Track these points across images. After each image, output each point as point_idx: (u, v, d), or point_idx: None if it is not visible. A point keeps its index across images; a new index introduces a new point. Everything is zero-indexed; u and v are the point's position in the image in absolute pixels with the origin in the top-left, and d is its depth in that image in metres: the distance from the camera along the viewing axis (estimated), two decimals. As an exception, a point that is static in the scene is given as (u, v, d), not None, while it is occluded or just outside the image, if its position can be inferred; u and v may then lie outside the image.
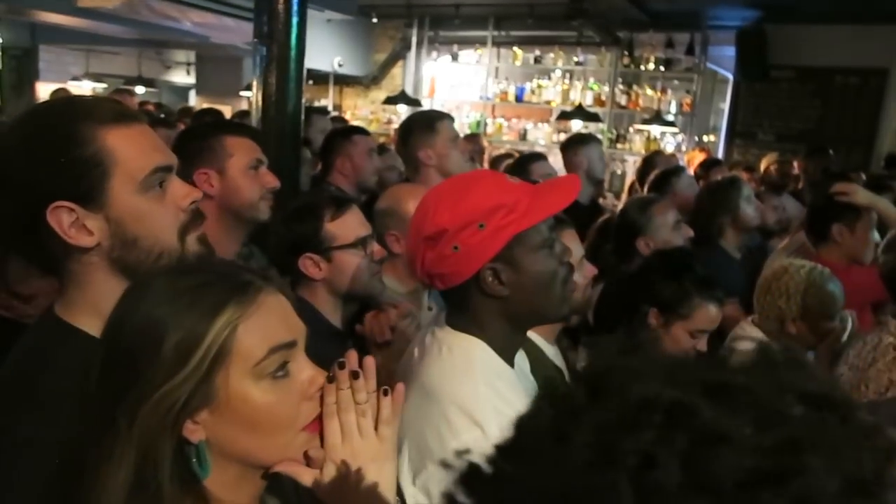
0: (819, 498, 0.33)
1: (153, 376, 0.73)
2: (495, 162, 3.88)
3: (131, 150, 0.93)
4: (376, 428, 0.85)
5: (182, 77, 10.39)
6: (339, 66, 7.94)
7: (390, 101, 7.67)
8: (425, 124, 2.49)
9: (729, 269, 2.80)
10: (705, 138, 7.68)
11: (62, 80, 8.16)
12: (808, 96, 6.77)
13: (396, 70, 8.68)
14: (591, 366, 0.42)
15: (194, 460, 0.76)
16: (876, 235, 2.55)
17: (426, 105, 8.10)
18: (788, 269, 2.09)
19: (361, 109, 8.69)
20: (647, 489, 0.34)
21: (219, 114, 5.06)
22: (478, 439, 1.02)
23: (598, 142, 3.61)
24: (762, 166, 5.21)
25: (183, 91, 10.45)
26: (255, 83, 2.79)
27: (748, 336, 2.10)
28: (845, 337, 2.04)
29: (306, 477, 0.83)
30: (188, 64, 10.02)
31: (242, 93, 7.28)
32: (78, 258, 0.92)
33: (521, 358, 1.24)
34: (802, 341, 2.03)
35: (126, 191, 0.92)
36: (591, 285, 1.87)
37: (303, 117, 2.88)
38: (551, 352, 1.70)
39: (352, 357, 0.85)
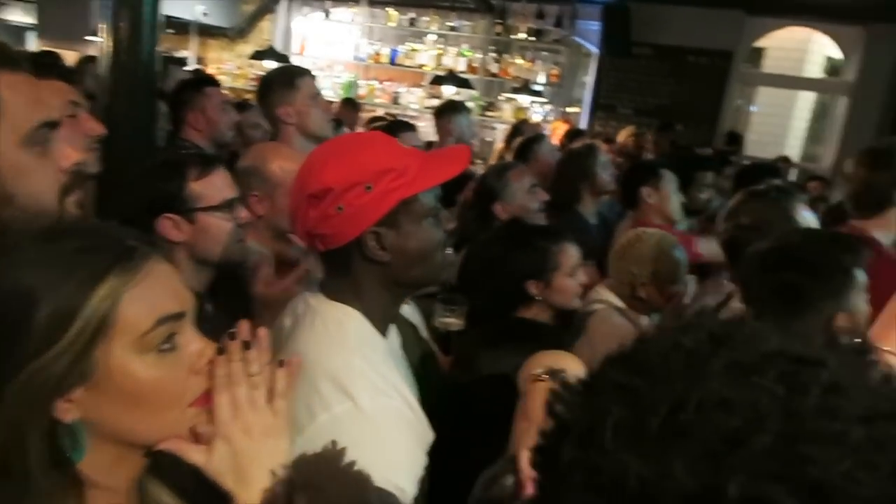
0: None
1: (21, 352, 0.66)
2: (370, 125, 3.83)
3: (18, 100, 0.84)
4: (270, 401, 0.81)
5: (18, 15, 9.31)
6: (204, 15, 7.45)
7: (258, 56, 7.30)
8: (285, 80, 2.40)
9: (586, 233, 2.96)
10: (570, 109, 7.99)
11: None
12: (664, 74, 7.22)
13: (265, 24, 8.28)
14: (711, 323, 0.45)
15: (67, 442, 0.70)
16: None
17: (295, 62, 7.81)
18: (641, 237, 2.24)
19: (226, 63, 8.22)
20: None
21: (57, 58, 4.59)
22: (349, 411, 1.01)
23: (469, 110, 3.67)
24: (620, 139, 5.51)
25: (20, 31, 9.37)
26: (104, 27, 2.55)
27: (603, 300, 2.23)
28: (687, 300, 2.22)
29: (194, 455, 0.78)
30: (26, 1, 8.99)
31: (89, 37, 6.66)
32: None
33: (393, 333, 1.23)
34: (651, 304, 2.19)
35: (8, 143, 0.84)
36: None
37: (158, 68, 2.68)
38: (407, 309, 1.72)
39: (243, 327, 0.80)
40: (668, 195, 2.85)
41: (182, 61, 5.00)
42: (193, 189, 1.46)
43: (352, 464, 0.96)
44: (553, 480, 0.43)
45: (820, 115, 8.54)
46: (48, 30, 8.35)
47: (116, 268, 0.70)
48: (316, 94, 2.41)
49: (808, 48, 8.18)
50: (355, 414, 1.01)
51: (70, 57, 5.51)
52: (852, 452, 0.36)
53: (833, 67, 8.00)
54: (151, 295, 0.72)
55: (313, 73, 2.51)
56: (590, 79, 7.85)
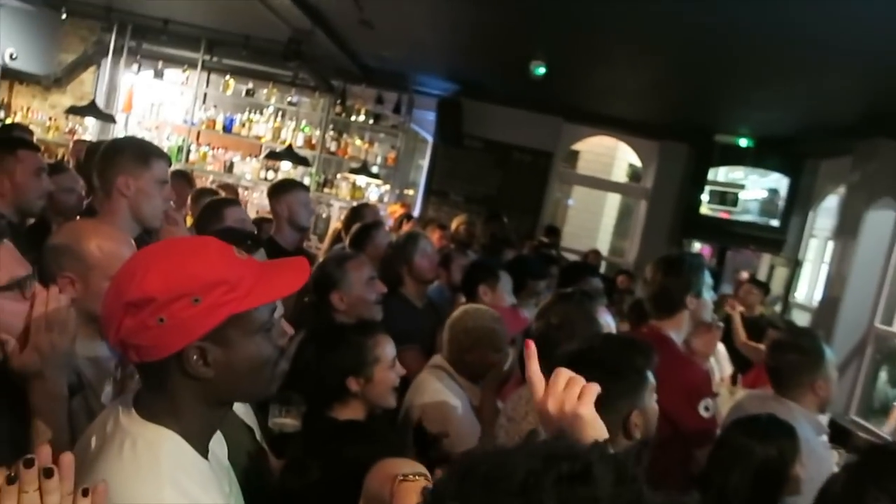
0: None
1: None
2: (199, 196, 3.64)
3: None
4: None
5: None
6: (12, 58, 6.79)
7: (77, 110, 6.78)
8: (138, 153, 2.23)
9: (409, 316, 3.07)
10: (407, 192, 8.24)
11: None
12: (492, 166, 7.72)
13: (87, 76, 7.72)
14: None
15: None
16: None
17: (120, 121, 7.34)
18: (468, 310, 2.54)
19: (37, 113, 7.50)
20: None
21: None
22: None
23: (304, 188, 3.63)
24: (453, 226, 5.75)
25: None
26: None
27: (440, 366, 2.46)
28: (507, 367, 2.45)
29: None
30: None
31: None
32: None
33: (217, 445, 1.14)
34: (476, 370, 2.41)
35: None
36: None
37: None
38: (241, 409, 1.62)
39: (43, 452, 0.70)
40: (503, 296, 3.10)
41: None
42: None
43: None
44: None
45: (625, 214, 9.58)
46: None
47: None
48: (164, 182, 2.26)
49: (616, 154, 9.23)
50: None
51: None
52: None
53: (635, 173, 9.06)
54: None
55: (139, 134, 2.36)
56: (425, 164, 8.19)
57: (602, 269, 7.42)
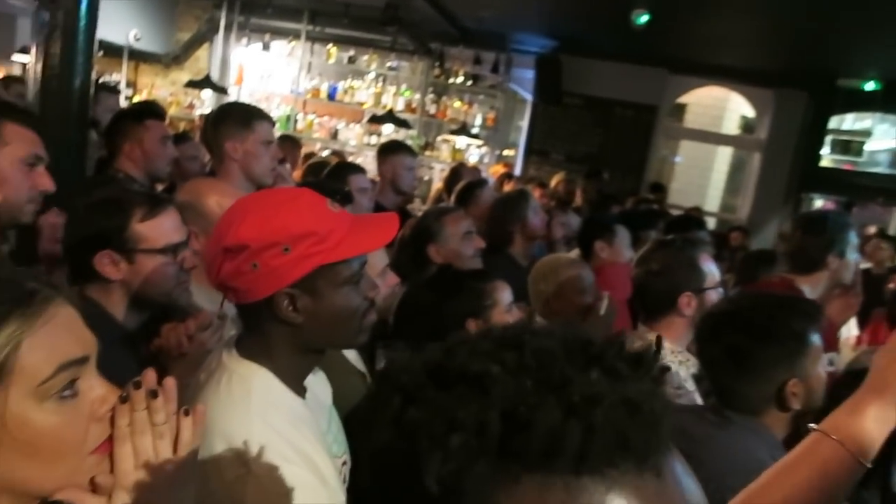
0: None
1: None
2: (313, 170, 3.79)
3: None
4: (175, 452, 0.79)
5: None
6: (137, 39, 7.29)
7: (194, 84, 7.21)
8: (242, 118, 2.36)
9: (517, 275, 3.07)
10: (506, 152, 8.21)
11: None
12: (593, 123, 7.53)
13: (202, 52, 8.17)
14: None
15: None
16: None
17: (233, 92, 7.73)
18: (543, 261, 2.54)
19: (160, 90, 8.05)
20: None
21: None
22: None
23: (411, 153, 3.69)
24: (552, 184, 5.70)
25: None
26: (33, 52, 2.48)
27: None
28: (602, 311, 2.34)
29: None
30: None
31: (15, 56, 6.41)
32: None
33: (320, 384, 1.20)
34: (565, 316, 2.37)
35: None
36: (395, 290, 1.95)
37: (91, 95, 2.62)
38: (353, 356, 1.72)
39: (149, 376, 0.78)
40: (620, 250, 3.03)
41: (115, 88, 4.86)
42: (137, 229, 1.42)
43: None
44: None
45: (737, 169, 9.08)
46: (-31, 45, 8.00)
47: (15, 313, 0.68)
48: (269, 142, 2.39)
49: (727, 106, 8.73)
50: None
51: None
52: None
53: (748, 125, 8.54)
54: (52, 340, 0.69)
55: (250, 103, 2.49)
56: (524, 124, 8.10)
57: (712, 227, 7.12)
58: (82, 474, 0.73)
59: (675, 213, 6.60)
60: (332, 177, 2.92)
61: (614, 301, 2.42)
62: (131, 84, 7.92)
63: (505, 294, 1.91)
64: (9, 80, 4.49)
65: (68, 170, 2.39)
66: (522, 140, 8.04)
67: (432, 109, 7.62)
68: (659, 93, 7.40)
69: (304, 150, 5.32)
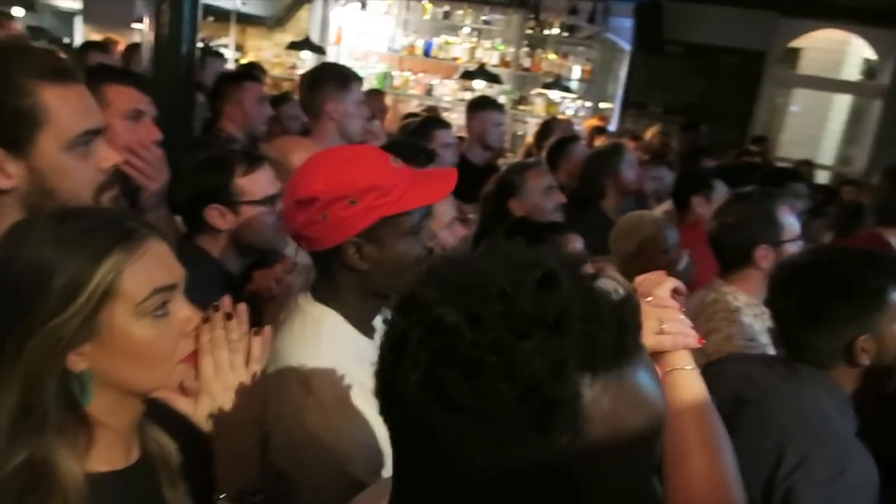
0: None
1: (41, 313, 0.80)
2: (405, 127, 3.90)
3: (66, 111, 0.99)
4: (247, 364, 0.97)
5: (66, 1, 9.60)
6: (243, 3, 7.63)
7: (295, 45, 7.48)
8: (340, 80, 2.50)
9: (605, 230, 3.07)
10: (602, 105, 8.00)
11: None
12: (695, 72, 7.18)
13: (303, 13, 8.43)
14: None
15: (77, 387, 0.84)
16: None
17: (331, 52, 7.95)
18: (626, 219, 2.51)
19: (265, 52, 8.41)
20: None
21: (104, 47, 4.79)
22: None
23: (499, 108, 3.71)
24: (647, 136, 5.54)
25: (67, 16, 9.67)
26: (146, 21, 2.70)
27: (608, 275, 2.39)
28: (681, 266, 2.37)
29: (182, 404, 0.94)
30: (74, -13, 9.25)
31: (134, 24, 6.88)
32: None
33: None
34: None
35: (53, 147, 0.98)
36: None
37: (196, 60, 2.83)
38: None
39: (226, 301, 0.95)
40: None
41: (220, 53, 5.15)
42: (239, 184, 1.60)
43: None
44: None
45: (856, 118, 8.41)
46: (94, 16, 8.62)
47: (119, 246, 0.82)
48: (362, 102, 2.53)
49: (846, 49, 8.05)
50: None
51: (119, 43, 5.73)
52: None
53: (870, 70, 7.86)
54: (148, 269, 0.84)
55: (349, 63, 2.62)
56: (622, 75, 7.85)
57: (825, 180, 6.69)
58: (173, 379, 0.92)
59: (783, 166, 6.26)
60: (417, 133, 3.02)
61: (693, 259, 2.40)
62: (239, 47, 8.31)
63: (577, 245, 1.95)
64: (132, 48, 4.85)
65: (178, 130, 2.61)
66: (619, 92, 7.81)
67: (526, 63, 7.52)
68: (768, 37, 6.93)
69: (401, 109, 5.44)
